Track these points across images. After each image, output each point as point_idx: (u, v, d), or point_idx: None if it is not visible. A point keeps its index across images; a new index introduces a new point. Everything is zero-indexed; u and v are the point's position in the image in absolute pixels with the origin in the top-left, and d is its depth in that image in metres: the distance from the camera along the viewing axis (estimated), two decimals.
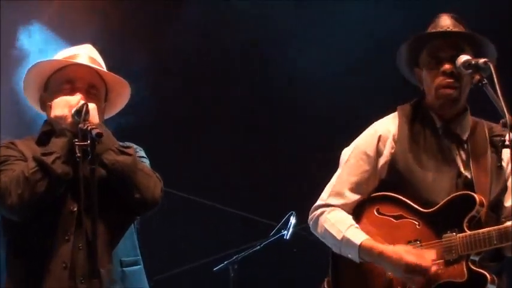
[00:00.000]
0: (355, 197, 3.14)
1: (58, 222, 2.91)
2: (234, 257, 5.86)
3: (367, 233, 3.04)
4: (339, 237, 3.05)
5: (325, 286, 3.18)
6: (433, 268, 2.88)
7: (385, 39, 4.76)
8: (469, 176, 3.01)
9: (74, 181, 2.89)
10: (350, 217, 3.11)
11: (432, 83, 3.04)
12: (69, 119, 2.91)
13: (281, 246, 5.85)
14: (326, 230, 3.11)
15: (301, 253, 6.51)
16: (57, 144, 2.90)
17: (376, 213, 3.10)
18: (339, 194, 3.14)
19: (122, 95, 3.23)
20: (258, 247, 5.86)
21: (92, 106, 2.93)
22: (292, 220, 5.63)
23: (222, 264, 5.88)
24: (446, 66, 2.99)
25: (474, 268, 2.86)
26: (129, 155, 2.93)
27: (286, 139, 6.82)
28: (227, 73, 6.83)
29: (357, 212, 3.14)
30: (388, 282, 2.98)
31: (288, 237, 5.65)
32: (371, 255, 2.98)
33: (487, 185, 2.97)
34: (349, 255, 3.04)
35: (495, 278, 2.86)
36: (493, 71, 2.76)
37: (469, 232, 2.87)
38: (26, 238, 2.94)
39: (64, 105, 2.94)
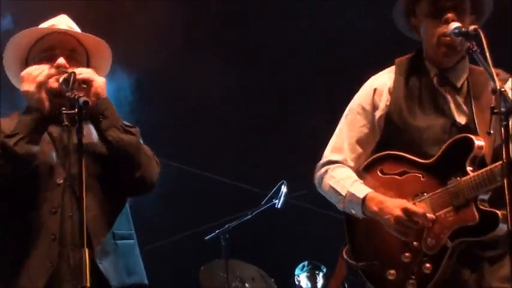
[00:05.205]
0: (356, 151, 3.14)
1: (43, 196, 2.86)
2: (226, 226, 5.88)
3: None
4: (343, 193, 3.05)
5: (344, 255, 3.17)
6: (443, 216, 2.85)
7: None
8: (462, 123, 2.98)
9: (63, 152, 2.85)
10: (354, 174, 3.11)
11: (434, 32, 2.99)
12: (37, 95, 2.80)
13: (272, 215, 5.88)
14: (331, 187, 3.11)
15: (292, 222, 6.54)
16: (23, 122, 2.79)
17: (380, 173, 3.09)
18: (340, 150, 3.15)
19: (103, 58, 3.13)
20: (249, 216, 5.89)
21: (101, 80, 2.85)
22: (284, 189, 5.64)
23: (213, 233, 5.90)
24: (449, 15, 2.96)
25: (484, 208, 2.82)
26: (134, 134, 2.89)
27: (277, 109, 6.82)
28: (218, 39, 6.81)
29: (361, 176, 3.12)
30: (403, 241, 2.95)
31: (279, 206, 5.67)
32: (372, 207, 2.96)
33: (488, 122, 2.94)
34: (353, 211, 3.04)
35: (506, 214, 2.80)
36: (482, 38, 2.74)
37: (471, 174, 2.84)
38: (10, 214, 2.88)
39: (31, 80, 2.83)
